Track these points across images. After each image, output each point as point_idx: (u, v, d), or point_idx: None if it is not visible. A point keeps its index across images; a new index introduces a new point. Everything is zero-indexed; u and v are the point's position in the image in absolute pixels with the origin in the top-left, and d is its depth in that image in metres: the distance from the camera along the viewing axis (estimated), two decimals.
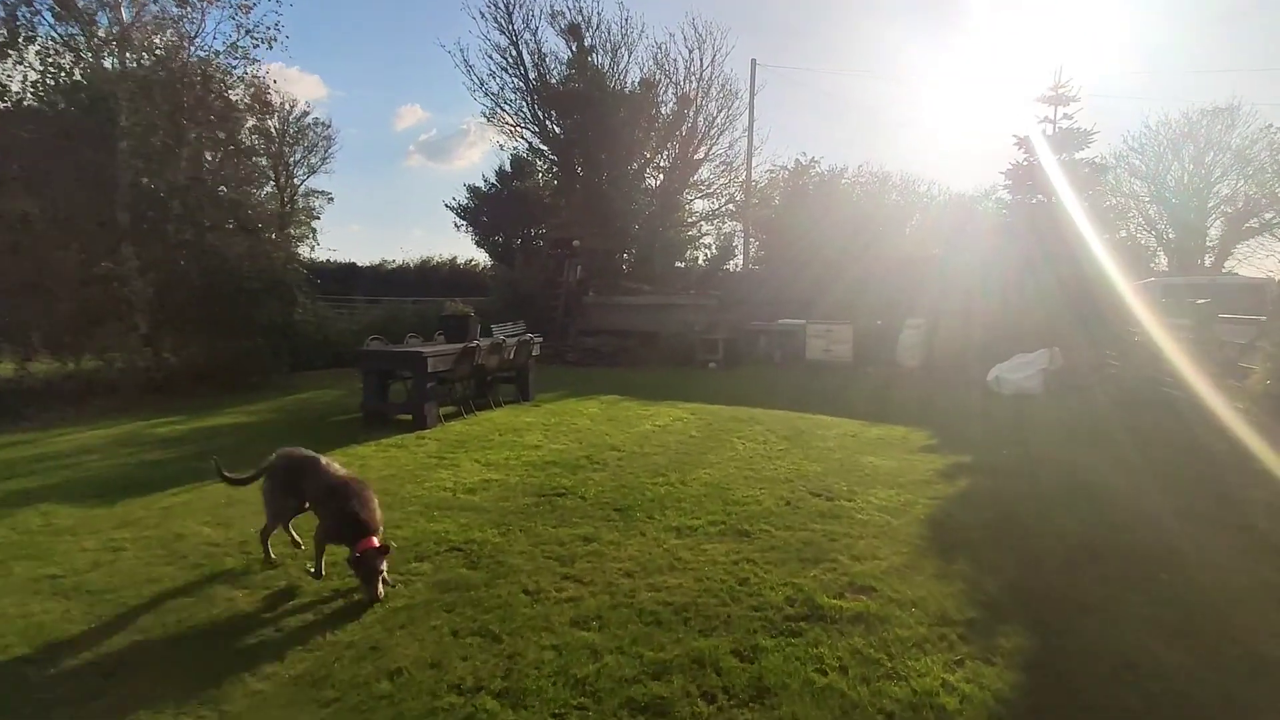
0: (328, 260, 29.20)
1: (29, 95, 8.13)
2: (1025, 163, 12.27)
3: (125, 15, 8.30)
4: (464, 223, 27.56)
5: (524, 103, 19.34)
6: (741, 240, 20.96)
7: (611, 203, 18.22)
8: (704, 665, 2.57)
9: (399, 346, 7.52)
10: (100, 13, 8.37)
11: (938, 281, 13.84)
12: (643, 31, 32.31)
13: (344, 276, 27.70)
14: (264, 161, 30.49)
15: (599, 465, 5.49)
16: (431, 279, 25.96)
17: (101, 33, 8.23)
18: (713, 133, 19.98)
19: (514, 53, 18.85)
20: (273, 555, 3.48)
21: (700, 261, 21.17)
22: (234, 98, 9.78)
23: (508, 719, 2.26)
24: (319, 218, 32.98)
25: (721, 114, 19.84)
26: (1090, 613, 3.01)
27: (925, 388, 10.53)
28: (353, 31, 53.54)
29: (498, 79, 19.18)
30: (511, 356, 8.26)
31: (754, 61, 19.92)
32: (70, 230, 7.95)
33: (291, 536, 3.65)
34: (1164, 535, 3.98)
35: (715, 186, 21.17)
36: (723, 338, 13.42)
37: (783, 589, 3.22)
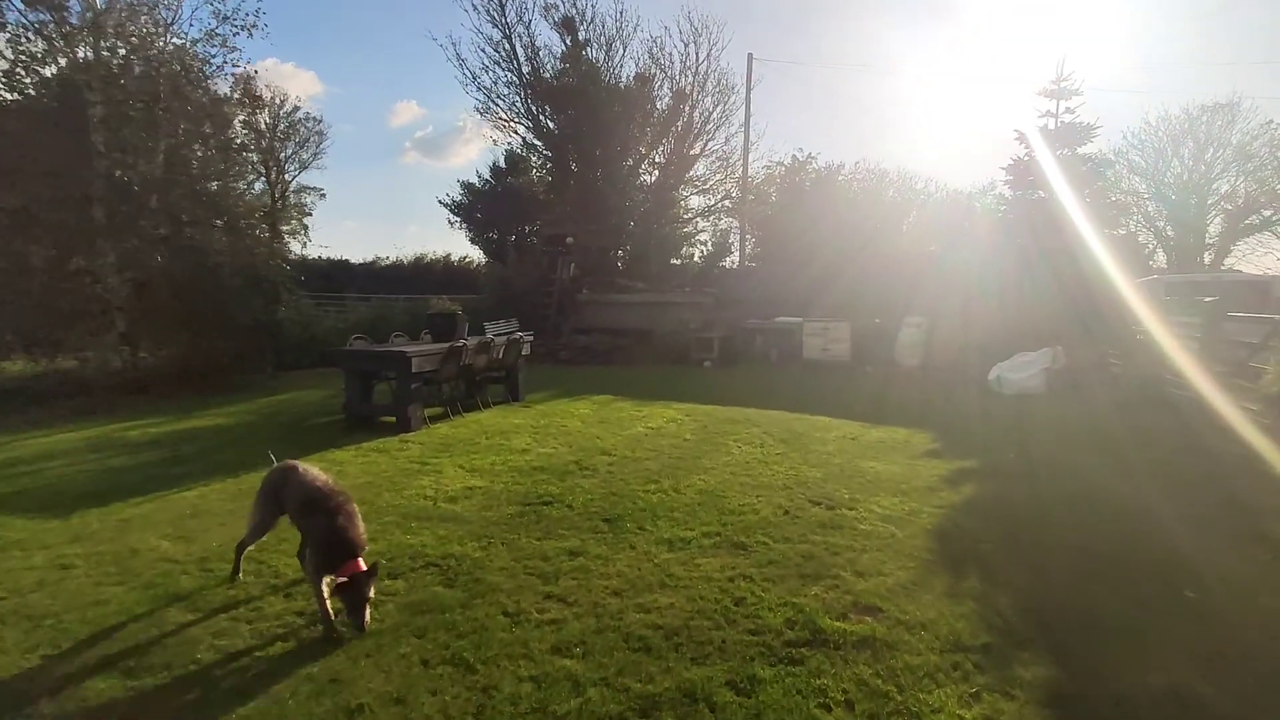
0: (319, 257, 28.95)
1: None
2: (1026, 158, 12.07)
3: (99, 1, 7.99)
4: (458, 219, 27.29)
5: (517, 97, 19.05)
6: (738, 237, 20.72)
7: (606, 199, 17.95)
8: (696, 699, 2.34)
9: (382, 346, 7.26)
10: None
11: (936, 279, 13.66)
12: (637, 25, 31.86)
13: (336, 274, 27.41)
14: (254, 157, 30.17)
15: (588, 471, 5.24)
16: (426, 276, 25.69)
17: (75, 19, 7.92)
18: (709, 128, 19.73)
19: (507, 46, 18.56)
20: (241, 573, 3.22)
21: (696, 259, 20.96)
22: (216, 89, 9.46)
23: None
24: (311, 214, 32.61)
25: (718, 109, 19.60)
26: (1115, 636, 2.79)
27: (925, 388, 10.33)
28: (348, 27, 53.10)
29: (490, 73, 18.89)
30: (500, 356, 8.01)
31: (750, 55, 19.66)
32: (42, 225, 7.65)
33: (238, 563, 3.29)
34: (1183, 548, 3.76)
35: (711, 182, 20.93)
36: (718, 336, 13.19)
37: (782, 610, 2.98)
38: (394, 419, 6.69)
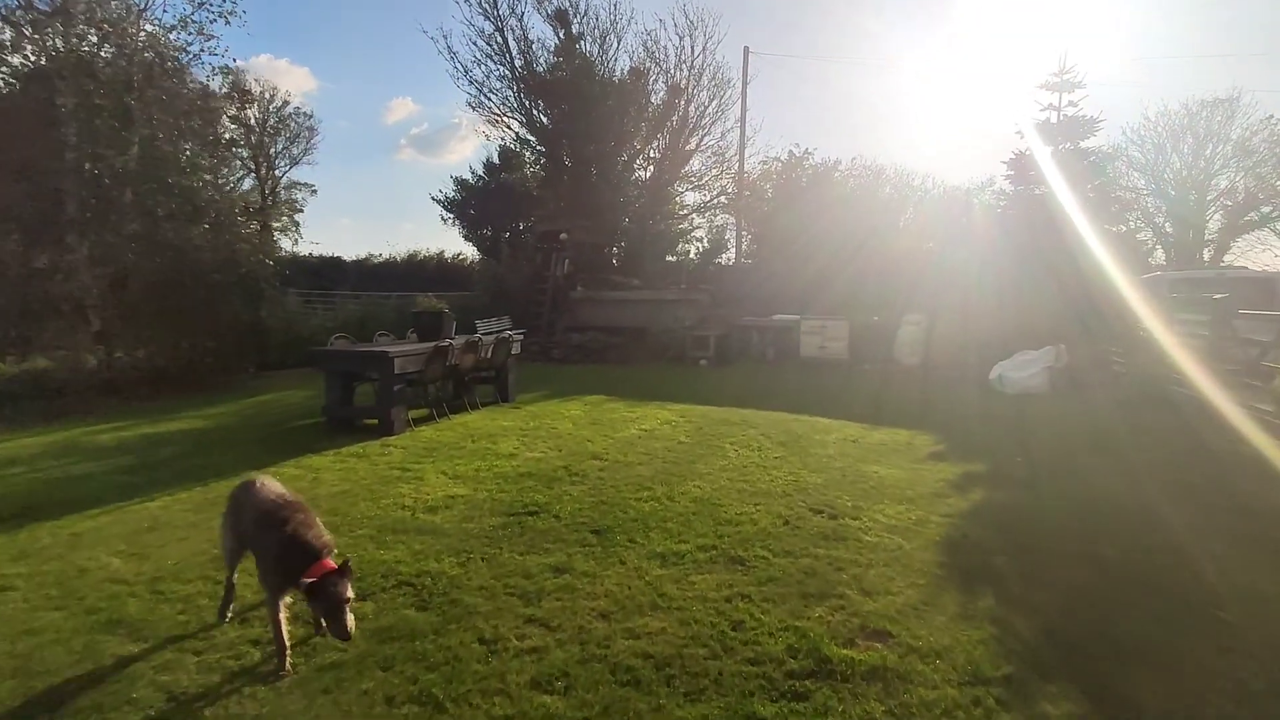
0: (310, 254, 28.58)
1: None
2: (1028, 152, 11.83)
3: None
4: (451, 216, 26.95)
5: (510, 91, 18.72)
6: (734, 234, 20.47)
7: (600, 195, 17.67)
8: None
9: (364, 346, 6.98)
10: None
11: (935, 276, 13.45)
12: (632, 18, 31.48)
13: (328, 271, 27.06)
14: (244, 153, 29.75)
15: (578, 477, 4.99)
16: (419, 273, 25.39)
17: (43, 4, 7.58)
18: (704, 123, 19.44)
19: (499, 39, 18.22)
20: (225, 617, 2.84)
21: (691, 255, 20.66)
22: (193, 78, 9.11)
23: None
24: (302, 210, 32.24)
25: (713, 103, 19.31)
26: (1145, 663, 2.55)
27: (925, 387, 10.12)
28: (342, 23, 52.56)
29: (482, 66, 18.55)
30: (489, 355, 7.74)
31: (747, 49, 19.43)
32: (10, 220, 7.33)
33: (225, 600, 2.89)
34: (1201, 560, 3.53)
35: (707, 178, 20.66)
36: (714, 334, 12.95)
37: (783, 635, 2.74)
38: (376, 422, 6.41)
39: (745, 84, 19.35)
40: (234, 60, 8.73)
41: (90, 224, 7.57)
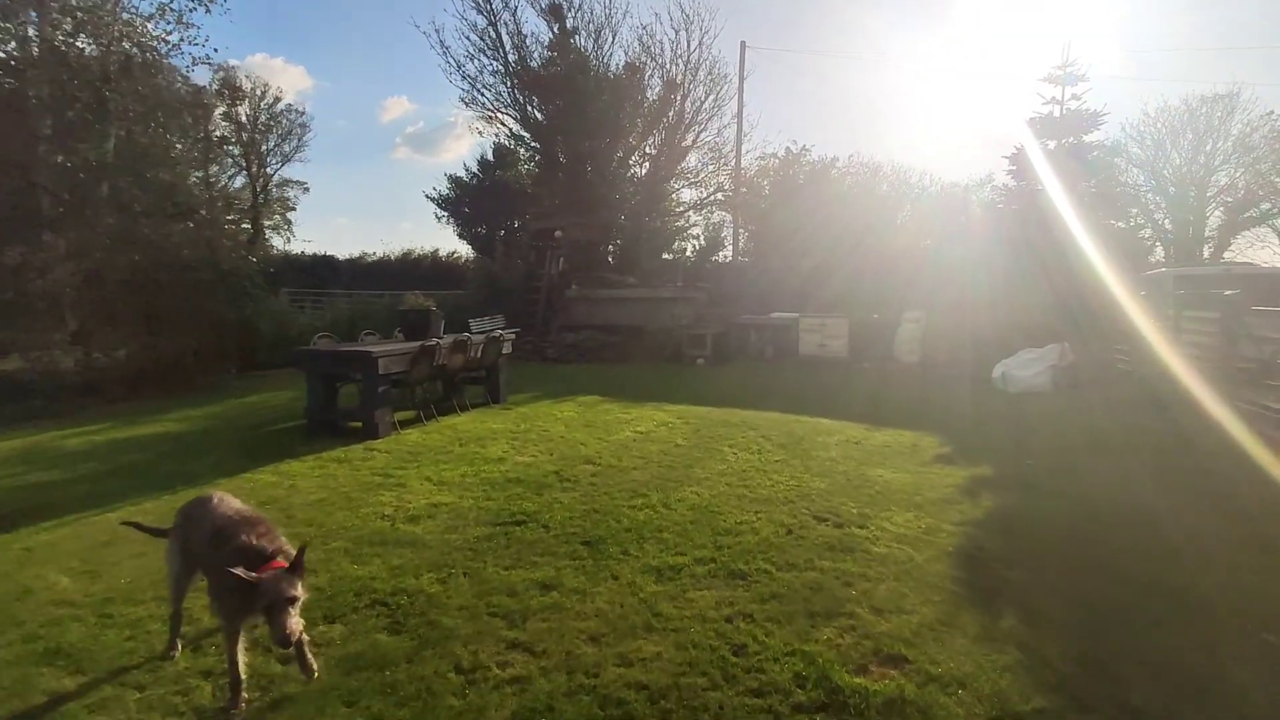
0: (302, 252, 28.26)
1: None
2: (1032, 146, 11.61)
3: None
4: (444, 214, 26.66)
5: (503, 86, 18.45)
6: (731, 231, 20.24)
7: (595, 192, 17.41)
8: None
9: (348, 345, 6.72)
10: None
11: (935, 274, 13.26)
12: (627, 12, 31.40)
13: (320, 269, 26.74)
14: (235, 150, 29.38)
15: (569, 483, 4.75)
16: (413, 272, 25.10)
17: None
18: (700, 118, 19.19)
19: (492, 34, 17.95)
20: (177, 648, 2.55)
21: (688, 253, 20.40)
22: (171, 68, 8.79)
23: None
24: (294, 208, 31.85)
25: (709, 99, 19.06)
26: (1190, 693, 2.32)
27: (927, 385, 9.91)
28: (338, 21, 52.12)
29: (475, 61, 18.28)
30: (479, 355, 7.48)
31: (743, 44, 19.20)
32: None
33: (173, 634, 2.57)
34: (1246, 574, 3.32)
35: (703, 175, 20.40)
36: (711, 333, 12.71)
37: (790, 661, 2.50)
38: (360, 425, 6.15)
39: (742, 79, 19.13)
40: (214, 50, 8.34)
41: (65, 219, 7.29)
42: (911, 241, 15.92)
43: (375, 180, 57.44)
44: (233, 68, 28.16)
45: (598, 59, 18.03)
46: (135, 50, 7.95)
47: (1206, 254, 19.99)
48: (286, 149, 30.45)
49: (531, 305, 15.45)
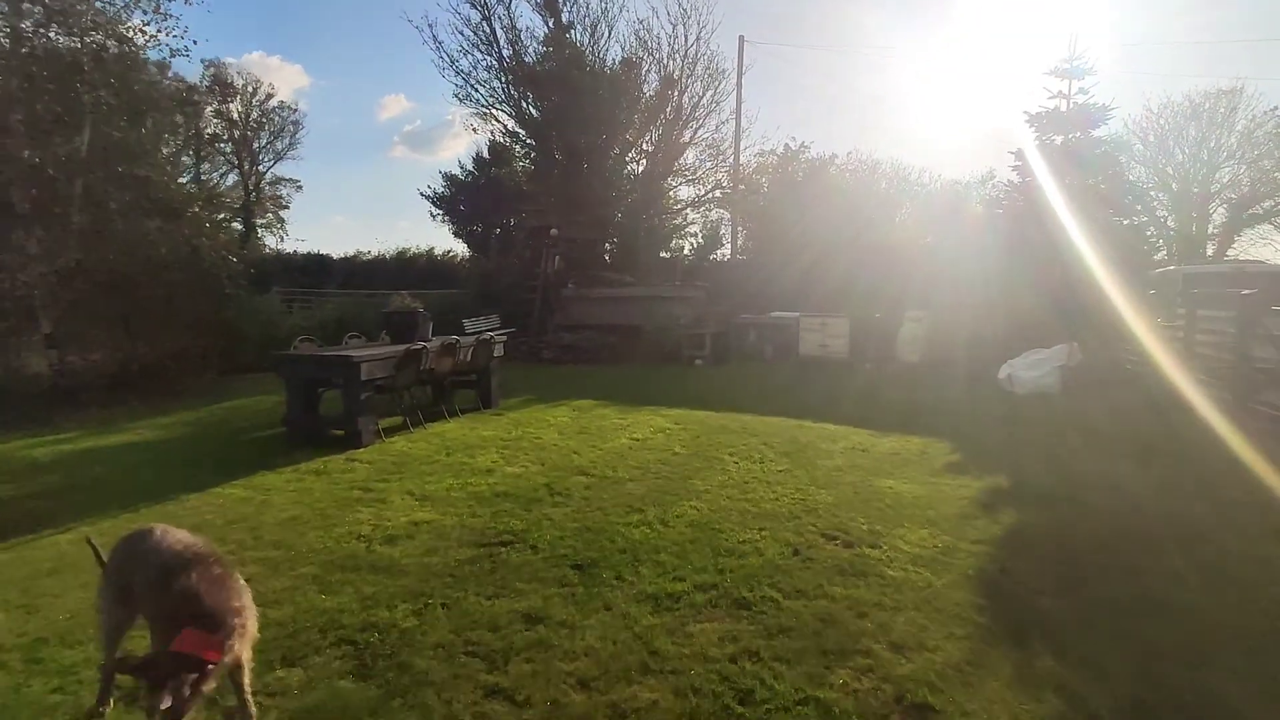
0: (295, 251, 27.91)
1: None
2: (1037, 142, 11.33)
3: None
4: (440, 212, 26.31)
5: (498, 82, 18.11)
6: (729, 229, 19.96)
7: (592, 189, 17.09)
8: None
9: (329, 349, 6.43)
10: None
11: (939, 272, 13.00)
12: (623, 6, 31.03)
13: (314, 268, 26.39)
14: (227, 148, 29.03)
15: (561, 497, 4.47)
16: (409, 271, 24.74)
17: None
18: (698, 114, 18.86)
19: (486, 28, 17.61)
20: (108, 704, 2.22)
21: (686, 251, 20.11)
22: (147, 61, 8.44)
23: None
24: (288, 206, 31.51)
25: (708, 94, 18.73)
26: None
27: (931, 387, 9.65)
28: (335, 19, 51.66)
29: (469, 56, 17.94)
30: (469, 358, 7.19)
31: (742, 38, 18.92)
32: None
33: (103, 689, 2.25)
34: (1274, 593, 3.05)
35: (701, 172, 20.08)
36: (710, 332, 12.44)
37: (803, 711, 2.23)
38: (343, 433, 5.86)
39: (740, 74, 18.83)
40: (193, 42, 7.99)
41: (35, 217, 6.98)
42: (912, 239, 15.68)
43: (373, 179, 57.10)
44: (223, 64, 27.84)
45: (594, 54, 17.72)
46: (111, 42, 7.63)
47: (1209, 252, 19.76)
48: (279, 146, 30.15)
49: (527, 305, 15.16)
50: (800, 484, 4.76)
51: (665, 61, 18.16)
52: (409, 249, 27.48)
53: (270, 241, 29.26)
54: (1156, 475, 5.05)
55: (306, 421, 6.00)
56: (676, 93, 18.39)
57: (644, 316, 13.78)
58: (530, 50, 17.72)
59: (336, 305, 14.38)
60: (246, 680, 2.08)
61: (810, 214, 15.72)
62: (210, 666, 1.75)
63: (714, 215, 20.64)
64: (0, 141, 6.91)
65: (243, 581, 2.10)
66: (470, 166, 25.89)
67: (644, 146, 19.20)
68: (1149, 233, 17.37)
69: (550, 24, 17.64)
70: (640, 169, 19.30)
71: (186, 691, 1.67)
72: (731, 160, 19.27)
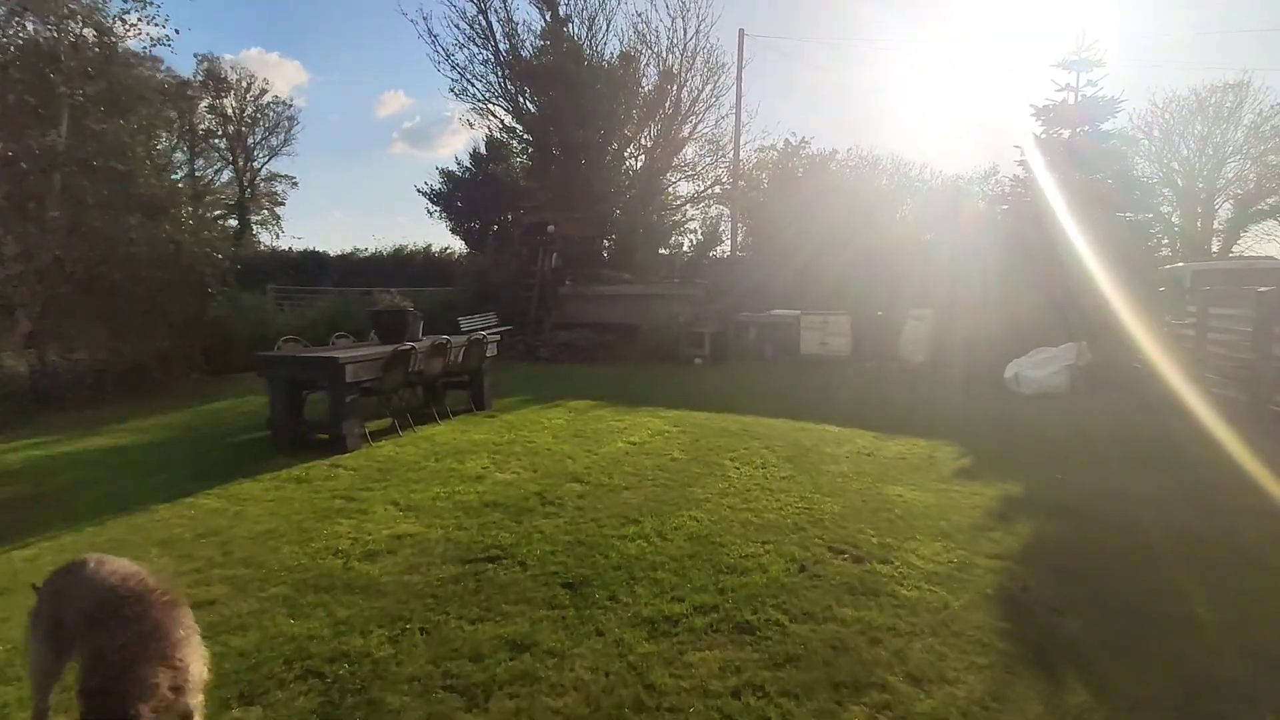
0: (290, 248, 27.62)
1: None
2: (1043, 136, 11.09)
3: None
4: (437, 208, 26.01)
5: (494, 77, 17.87)
6: (729, 225, 19.71)
7: (590, 185, 16.86)
8: None
9: (314, 350, 6.20)
10: None
11: (942, 269, 12.77)
12: None
13: (309, 265, 26.10)
14: (221, 143, 28.73)
15: (553, 507, 4.24)
16: (406, 268, 24.45)
17: None
18: (698, 109, 18.66)
19: (483, 22, 17.37)
20: None
21: (685, 248, 19.88)
22: (124, 47, 8.11)
23: None
24: (283, 203, 31.22)
25: (707, 88, 18.51)
26: None
27: (935, 387, 9.45)
28: (333, 15, 51.18)
29: (465, 50, 17.70)
30: (460, 359, 6.96)
31: (742, 32, 18.62)
32: None
33: None
34: None
35: (700, 167, 19.88)
36: (709, 330, 12.20)
37: None
38: (328, 437, 5.63)
39: (740, 68, 18.56)
40: (175, 31, 7.73)
41: (11, 212, 6.72)
42: (913, 236, 15.45)
43: (372, 175, 56.69)
44: (217, 59, 27.53)
45: (591, 47, 17.48)
46: (89, 31, 7.38)
47: (1215, 248, 19.53)
48: (274, 142, 29.84)
49: (524, 303, 14.91)
50: (805, 492, 4.54)
51: (664, 55, 17.94)
52: (406, 246, 27.21)
53: (265, 238, 28.99)
54: (1175, 483, 4.83)
55: (291, 425, 5.77)
56: (675, 87, 18.16)
57: (642, 314, 13.55)
58: (527, 44, 17.50)
59: (331, 302, 14.12)
60: None
61: (811, 210, 15.49)
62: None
63: (713, 212, 20.43)
64: None
65: (188, 623, 1.87)
66: (468, 163, 25.62)
67: (642, 142, 18.98)
68: (1154, 229, 17.14)
69: (547, 17, 17.39)
70: (639, 165, 19.08)
71: None
72: (731, 156, 19.05)
